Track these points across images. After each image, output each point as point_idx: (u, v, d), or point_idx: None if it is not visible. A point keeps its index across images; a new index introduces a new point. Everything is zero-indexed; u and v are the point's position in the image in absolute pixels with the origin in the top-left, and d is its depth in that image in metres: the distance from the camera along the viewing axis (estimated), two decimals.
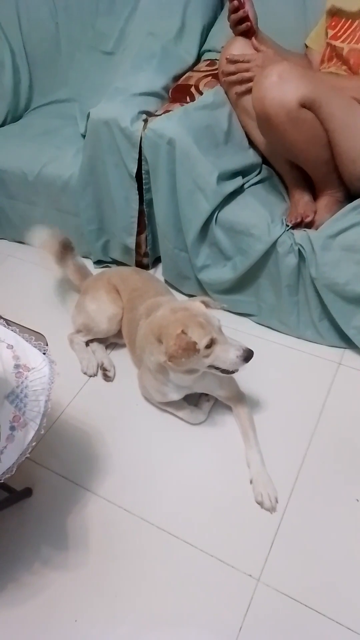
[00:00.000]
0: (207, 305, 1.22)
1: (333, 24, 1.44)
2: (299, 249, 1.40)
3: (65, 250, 1.62)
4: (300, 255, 1.40)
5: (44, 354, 0.99)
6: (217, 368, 1.19)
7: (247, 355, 1.15)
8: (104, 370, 1.52)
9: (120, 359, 1.56)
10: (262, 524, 1.17)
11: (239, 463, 1.27)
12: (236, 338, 1.55)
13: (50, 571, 1.12)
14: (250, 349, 1.15)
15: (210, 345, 1.13)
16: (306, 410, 1.38)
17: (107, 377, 1.51)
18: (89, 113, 1.57)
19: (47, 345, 1.02)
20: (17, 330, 1.02)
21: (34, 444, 0.92)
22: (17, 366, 0.93)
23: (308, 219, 1.42)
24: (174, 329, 1.12)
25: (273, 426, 1.35)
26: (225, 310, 1.65)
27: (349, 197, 1.47)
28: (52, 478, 1.28)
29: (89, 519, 1.20)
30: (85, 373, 1.52)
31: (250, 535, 1.15)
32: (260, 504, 1.19)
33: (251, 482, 1.23)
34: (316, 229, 1.42)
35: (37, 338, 1.02)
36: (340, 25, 1.42)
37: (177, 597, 1.07)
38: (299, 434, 1.33)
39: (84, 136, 1.67)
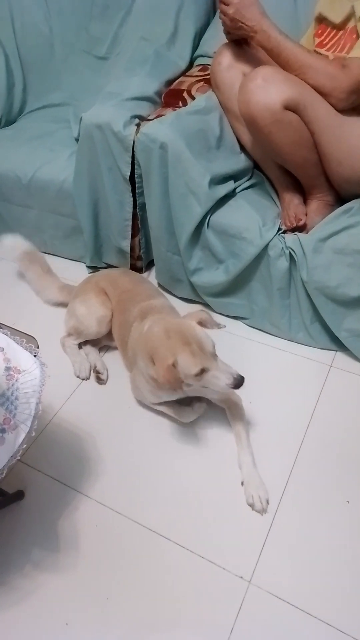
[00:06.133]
0: (204, 324, 1.22)
1: (319, 31, 1.46)
2: (290, 253, 1.41)
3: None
4: (292, 259, 1.41)
5: (35, 356, 0.99)
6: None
7: (238, 383, 1.15)
8: (97, 373, 1.52)
9: (113, 362, 1.56)
10: (253, 526, 1.17)
11: (231, 465, 1.28)
12: (228, 340, 1.57)
13: (41, 574, 1.12)
14: (241, 376, 1.15)
15: (200, 373, 1.14)
16: (298, 412, 1.39)
17: (100, 380, 1.51)
18: (81, 117, 1.57)
19: (38, 347, 1.03)
20: (8, 332, 1.02)
21: (24, 446, 0.92)
22: (7, 369, 0.93)
23: (301, 222, 1.44)
24: (164, 357, 1.13)
25: (265, 428, 1.36)
26: (218, 314, 1.67)
27: (339, 200, 1.49)
28: (44, 480, 1.27)
29: (80, 521, 1.20)
30: (78, 376, 1.52)
31: (242, 537, 1.15)
32: (252, 505, 1.20)
33: (242, 484, 1.23)
34: (307, 233, 1.43)
35: (28, 341, 1.02)
36: (326, 34, 1.43)
37: (169, 599, 1.07)
38: (290, 436, 1.34)
39: (77, 140, 1.67)
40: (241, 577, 1.09)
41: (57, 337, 1.60)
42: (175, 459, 1.31)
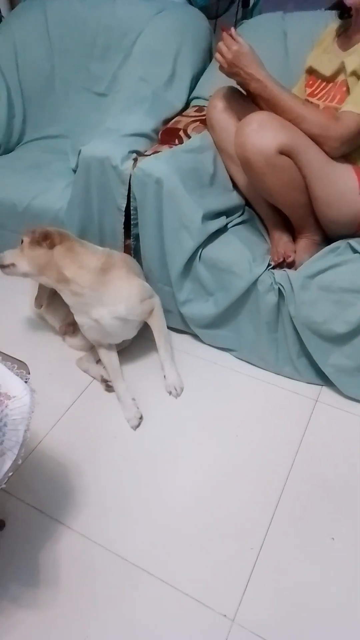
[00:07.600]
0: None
1: (310, 82, 1.55)
2: (278, 288, 1.44)
3: None
4: (280, 294, 1.45)
5: (26, 382, 0.99)
6: None
7: None
8: (105, 381, 1.57)
9: (100, 395, 1.56)
10: (237, 562, 1.15)
11: (215, 500, 1.27)
12: (215, 371, 1.59)
13: (18, 610, 1.08)
14: None
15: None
16: (283, 446, 1.40)
17: (109, 387, 1.57)
18: (80, 150, 1.62)
19: (29, 373, 1.03)
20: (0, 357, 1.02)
21: (10, 474, 0.91)
22: None
23: (290, 259, 1.48)
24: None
25: (249, 462, 1.36)
26: (207, 345, 1.69)
27: (326, 239, 1.54)
28: (24, 510, 1.24)
29: (61, 554, 1.16)
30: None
31: (226, 574, 1.14)
32: (170, 393, 1.53)
33: (165, 377, 1.55)
34: (295, 269, 1.48)
35: (19, 366, 1.02)
36: (316, 85, 1.52)
37: (150, 637, 1.04)
38: (275, 471, 1.34)
39: (74, 171, 1.72)
40: (224, 616, 1.07)
41: (46, 363, 1.60)
42: (159, 491, 1.30)
